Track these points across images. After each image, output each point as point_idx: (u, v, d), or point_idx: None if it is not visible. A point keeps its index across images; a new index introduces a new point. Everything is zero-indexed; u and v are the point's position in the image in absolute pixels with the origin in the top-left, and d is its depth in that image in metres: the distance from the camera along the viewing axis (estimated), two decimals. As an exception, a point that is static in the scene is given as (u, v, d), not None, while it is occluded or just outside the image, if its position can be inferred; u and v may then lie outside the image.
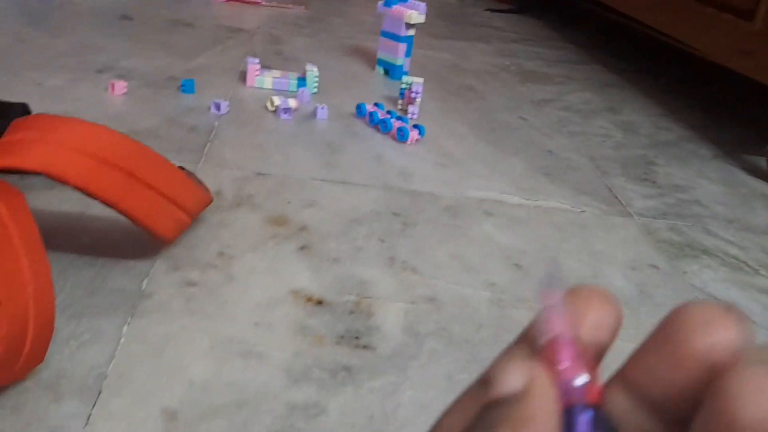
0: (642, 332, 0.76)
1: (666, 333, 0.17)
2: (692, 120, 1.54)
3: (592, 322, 0.18)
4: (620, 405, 0.18)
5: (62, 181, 0.61)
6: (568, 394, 0.17)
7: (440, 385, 0.64)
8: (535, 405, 0.17)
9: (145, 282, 0.71)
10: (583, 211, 1.02)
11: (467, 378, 0.64)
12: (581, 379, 0.17)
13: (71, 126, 0.62)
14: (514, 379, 0.17)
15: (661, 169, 1.24)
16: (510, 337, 0.19)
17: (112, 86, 1.15)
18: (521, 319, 0.74)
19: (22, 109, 0.73)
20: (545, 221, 0.98)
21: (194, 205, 0.73)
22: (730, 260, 0.96)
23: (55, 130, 0.62)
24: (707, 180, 1.22)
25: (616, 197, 1.09)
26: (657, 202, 1.10)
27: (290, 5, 1.96)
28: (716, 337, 0.16)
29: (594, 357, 0.18)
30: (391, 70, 1.48)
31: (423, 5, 1.42)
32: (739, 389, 0.14)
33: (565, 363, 0.18)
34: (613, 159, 1.25)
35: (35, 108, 0.89)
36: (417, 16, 1.40)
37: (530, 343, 0.20)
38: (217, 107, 1.14)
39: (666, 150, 1.34)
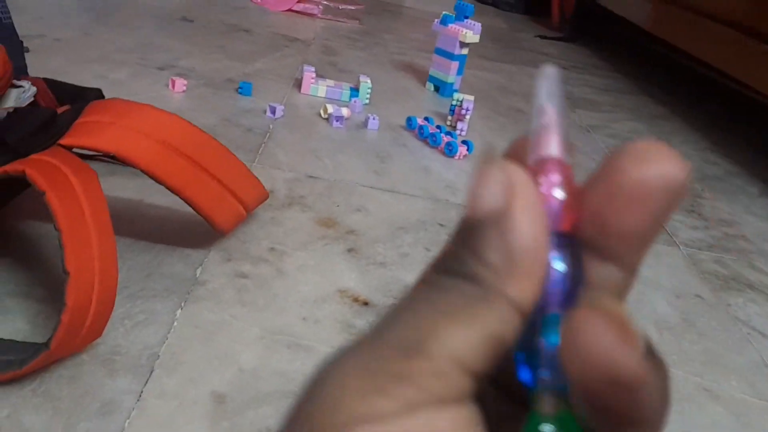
0: (685, 359, 0.76)
1: (601, 170, 0.16)
2: (740, 156, 1.53)
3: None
4: None
5: (132, 164, 0.63)
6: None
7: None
8: (522, 218, 0.15)
9: (199, 270, 0.73)
10: (628, 237, 1.02)
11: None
12: (559, 202, 0.16)
13: (144, 112, 0.65)
14: (492, 190, 0.15)
15: (707, 203, 1.23)
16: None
17: (173, 83, 1.18)
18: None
19: (97, 94, 0.76)
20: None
21: (252, 199, 0.75)
22: (776, 297, 0.95)
23: (128, 115, 0.65)
24: (754, 216, 1.21)
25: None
26: (703, 234, 1.09)
27: (345, 19, 2.00)
28: (650, 171, 0.15)
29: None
30: (441, 87, 1.49)
31: (478, 25, 1.43)
32: (578, 326, 0.14)
33: (549, 185, 0.16)
34: (659, 189, 1.24)
35: (102, 97, 0.92)
36: (472, 35, 1.42)
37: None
38: (273, 111, 1.17)
39: (713, 184, 1.33)
